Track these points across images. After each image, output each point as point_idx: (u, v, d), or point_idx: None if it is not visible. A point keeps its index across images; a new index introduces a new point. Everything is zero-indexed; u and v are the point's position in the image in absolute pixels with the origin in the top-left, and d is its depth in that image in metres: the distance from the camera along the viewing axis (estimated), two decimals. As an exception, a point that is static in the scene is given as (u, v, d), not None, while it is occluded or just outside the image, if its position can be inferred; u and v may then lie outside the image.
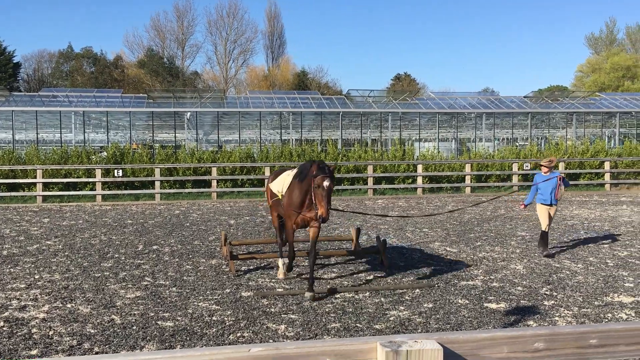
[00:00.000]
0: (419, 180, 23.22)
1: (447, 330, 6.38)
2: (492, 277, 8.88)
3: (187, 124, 33.93)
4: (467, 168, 23.90)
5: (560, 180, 10.49)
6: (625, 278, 8.74)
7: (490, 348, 1.70)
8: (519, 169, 24.13)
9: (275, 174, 8.78)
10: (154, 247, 11.58)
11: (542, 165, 10.79)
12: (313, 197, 7.19)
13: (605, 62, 66.01)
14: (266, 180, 9.74)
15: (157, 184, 20.97)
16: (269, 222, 15.19)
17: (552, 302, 7.49)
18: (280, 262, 8.87)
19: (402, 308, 7.25)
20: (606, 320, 6.82)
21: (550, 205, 10.55)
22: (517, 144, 37.12)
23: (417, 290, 8.10)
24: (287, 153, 24.58)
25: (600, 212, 16.85)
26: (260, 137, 34.10)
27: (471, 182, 23.82)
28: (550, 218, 10.66)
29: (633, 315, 6.99)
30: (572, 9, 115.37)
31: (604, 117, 35.55)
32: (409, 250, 11.13)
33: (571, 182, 24.36)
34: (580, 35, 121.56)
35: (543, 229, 10.61)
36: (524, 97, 35.66)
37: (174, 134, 33.86)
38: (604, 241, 11.97)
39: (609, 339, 1.73)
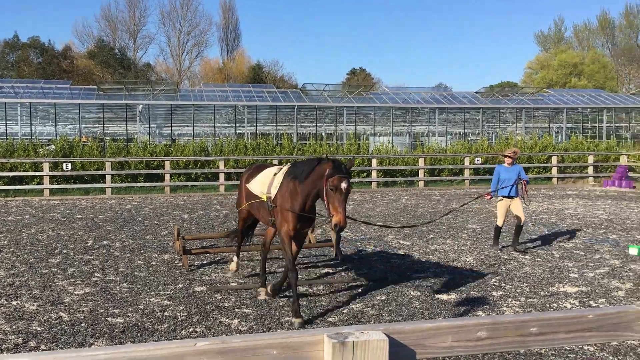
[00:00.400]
0: (374, 174, 23.44)
1: (399, 322, 6.47)
2: (443, 269, 9.05)
3: (140, 117, 33.25)
4: (421, 162, 24.27)
5: (524, 184, 10.33)
6: (570, 269, 9.04)
7: (435, 338, 1.73)
8: (470, 163, 24.64)
9: (252, 171, 7.73)
10: (105, 242, 11.33)
11: (505, 156, 10.60)
12: (325, 201, 5.97)
13: (553, 60, 67.92)
14: (231, 177, 8.59)
15: (108, 177, 20.51)
16: (223, 216, 15.05)
17: (501, 292, 7.69)
18: (234, 258, 8.64)
19: (355, 301, 7.31)
20: (552, 309, 7.04)
21: (511, 197, 10.36)
22: (469, 138, 37.89)
23: (371, 282, 8.17)
24: (242, 147, 24.41)
25: (547, 205, 17.36)
26: (215, 130, 33.73)
27: (424, 176, 24.20)
28: (507, 213, 10.52)
29: (577, 304, 7.24)
30: (523, 7, 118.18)
31: (551, 112, 36.60)
32: (363, 243, 11.22)
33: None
34: (530, 33, 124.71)
35: (498, 223, 10.56)
36: (476, 92, 36.36)
37: (125, 127, 33.15)
38: (550, 233, 12.35)
39: (549, 327, 1.78)
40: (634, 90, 52.67)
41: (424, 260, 9.70)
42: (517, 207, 10.41)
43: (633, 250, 10.07)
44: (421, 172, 24.12)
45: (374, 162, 23.56)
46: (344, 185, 5.88)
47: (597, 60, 67.41)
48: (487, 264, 9.40)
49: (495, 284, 8.15)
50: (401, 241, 11.40)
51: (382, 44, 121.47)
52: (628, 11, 75.48)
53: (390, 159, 24.80)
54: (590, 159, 26.06)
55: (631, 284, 8.11)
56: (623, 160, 25.70)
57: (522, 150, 26.98)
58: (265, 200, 6.95)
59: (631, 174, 24.43)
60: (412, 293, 7.67)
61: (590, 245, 11.00)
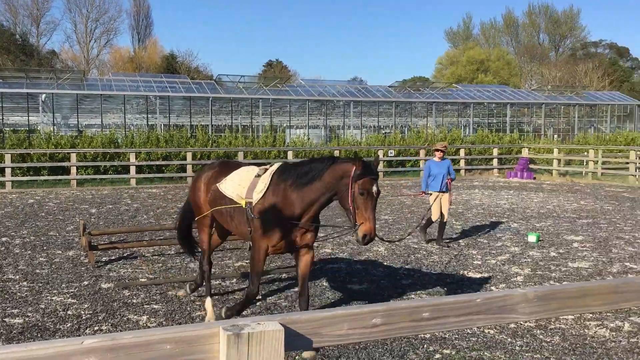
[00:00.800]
0: (289, 166, 23.53)
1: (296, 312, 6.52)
2: (355, 259, 9.22)
3: (43, 107, 31.56)
4: (336, 155, 24.59)
5: (449, 182, 10.40)
6: (474, 256, 9.47)
7: (331, 326, 1.75)
8: (384, 156, 25.22)
9: (220, 169, 6.20)
10: (3, 239, 10.69)
11: (437, 150, 10.58)
12: (350, 207, 5.03)
13: (462, 56, 70.64)
14: (195, 179, 6.60)
15: (8, 171, 19.34)
16: (134, 210, 14.58)
17: (410, 280, 7.94)
18: (208, 302, 6.31)
19: (269, 293, 7.31)
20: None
21: (442, 192, 10.37)
22: (383, 131, 38.74)
23: (284, 274, 8.20)
24: (154, 138, 23.75)
25: (455, 195, 18.06)
26: (125, 121, 32.60)
27: (339, 168, 24.53)
28: (441, 206, 10.45)
29: (480, 290, 7.59)
30: (435, 4, 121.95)
31: (460, 107, 38.08)
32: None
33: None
34: (441, 29, 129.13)
35: (432, 218, 10.49)
36: (389, 86, 37.21)
37: (27, 118, 31.37)
38: (457, 223, 12.86)
39: (441, 312, 1.85)
40: (535, 86, 55.81)
41: (337, 251, 9.84)
42: (445, 203, 10.44)
43: (532, 238, 10.68)
44: (336, 165, 24.44)
45: (290, 154, 23.63)
46: (375, 188, 5.02)
47: (502, 57, 70.76)
48: (397, 253, 9.67)
49: (404, 272, 8.40)
50: (315, 233, 11.48)
51: (299, 37, 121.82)
52: (531, 11, 79.81)
53: (306, 152, 24.96)
54: (495, 152, 27.37)
55: (529, 269, 8.60)
56: (525, 153, 27.18)
57: (432, 143, 27.92)
58: (245, 206, 5.56)
59: (532, 166, 25.88)
60: (325, 284, 7.76)
61: (493, 233, 11.56)
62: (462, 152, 26.50)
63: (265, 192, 5.46)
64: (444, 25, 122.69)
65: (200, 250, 6.78)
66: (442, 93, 37.37)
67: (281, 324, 1.67)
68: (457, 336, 5.67)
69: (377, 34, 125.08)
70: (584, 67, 62.08)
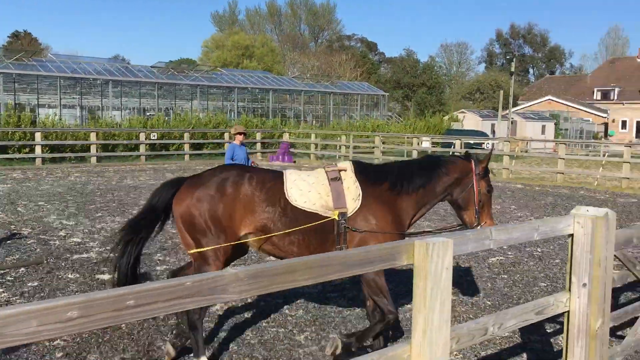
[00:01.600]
0: (38, 149, 21.42)
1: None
2: (108, 248, 8.73)
3: None
4: (93, 137, 23.09)
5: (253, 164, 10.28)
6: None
7: (16, 324, 1.58)
8: (146, 139, 24.37)
9: (247, 175, 4.75)
10: None
11: (239, 133, 10.42)
12: (475, 207, 4.70)
13: (227, 40, 71.23)
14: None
15: None
16: None
17: (165, 266, 7.78)
18: None
19: (0, 290, 6.54)
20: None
21: None
22: (147, 113, 37.36)
23: (22, 268, 7.42)
24: None
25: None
26: None
27: (97, 151, 23.07)
28: None
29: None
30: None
31: (225, 91, 38.41)
32: (19, 225, 10.14)
33: (196, 152, 25.81)
34: (207, 12, 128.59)
35: None
36: (152, 67, 35.96)
37: None
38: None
39: (146, 299, 1.79)
40: (296, 74, 58.84)
41: (87, 240, 9.22)
42: None
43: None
44: (93, 148, 22.93)
45: (38, 136, 21.52)
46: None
47: (267, 44, 73.07)
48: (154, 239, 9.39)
49: (159, 259, 8.21)
50: (64, 221, 10.64)
51: (54, 6, 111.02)
52: (292, 1, 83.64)
53: (57, 133, 22.98)
54: (258, 136, 28.26)
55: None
56: (286, 138, 28.55)
57: (197, 126, 27.80)
58: (337, 218, 4.51)
59: (292, 150, 27.31)
60: (70, 275, 7.21)
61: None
62: (226, 136, 26.83)
63: (363, 199, 4.60)
64: (210, 8, 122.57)
65: None
66: (207, 76, 37.31)
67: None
68: (236, 322, 5.71)
69: (143, 12, 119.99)
70: (338, 59, 67.10)
